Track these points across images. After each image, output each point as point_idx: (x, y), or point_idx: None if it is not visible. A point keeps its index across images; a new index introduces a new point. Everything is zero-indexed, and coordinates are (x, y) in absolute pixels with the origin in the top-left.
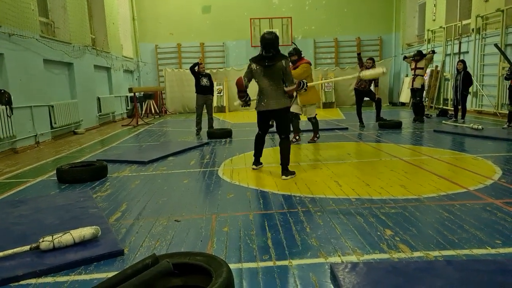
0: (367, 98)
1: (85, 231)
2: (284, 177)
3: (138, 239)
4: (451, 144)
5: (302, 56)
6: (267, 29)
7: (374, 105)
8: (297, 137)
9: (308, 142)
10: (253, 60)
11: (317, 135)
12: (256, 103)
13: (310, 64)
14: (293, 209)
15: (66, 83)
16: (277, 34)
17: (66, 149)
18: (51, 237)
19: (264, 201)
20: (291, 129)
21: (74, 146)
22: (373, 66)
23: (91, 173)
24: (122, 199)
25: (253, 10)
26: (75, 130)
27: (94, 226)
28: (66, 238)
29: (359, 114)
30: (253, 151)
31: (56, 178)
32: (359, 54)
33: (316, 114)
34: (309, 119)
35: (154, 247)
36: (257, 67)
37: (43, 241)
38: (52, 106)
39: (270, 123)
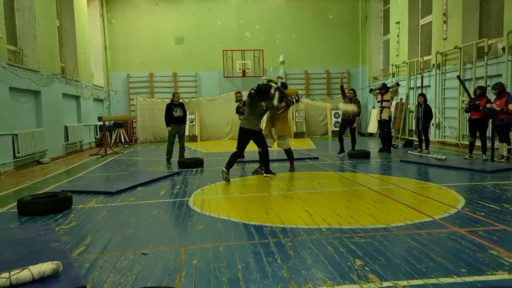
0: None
1: (45, 267)
2: (265, 174)
3: (102, 274)
4: (417, 173)
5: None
6: (240, 61)
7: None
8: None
9: (289, 171)
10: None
11: (293, 164)
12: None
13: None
14: (264, 239)
15: (32, 112)
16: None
17: (29, 179)
18: (8, 273)
19: (235, 232)
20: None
21: (37, 176)
22: (354, 96)
23: (54, 204)
24: (87, 232)
25: (225, 42)
26: (40, 160)
27: (55, 261)
28: (24, 274)
29: (340, 140)
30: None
31: (16, 210)
32: (342, 87)
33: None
34: (285, 150)
35: (118, 283)
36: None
37: None
38: (16, 135)
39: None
